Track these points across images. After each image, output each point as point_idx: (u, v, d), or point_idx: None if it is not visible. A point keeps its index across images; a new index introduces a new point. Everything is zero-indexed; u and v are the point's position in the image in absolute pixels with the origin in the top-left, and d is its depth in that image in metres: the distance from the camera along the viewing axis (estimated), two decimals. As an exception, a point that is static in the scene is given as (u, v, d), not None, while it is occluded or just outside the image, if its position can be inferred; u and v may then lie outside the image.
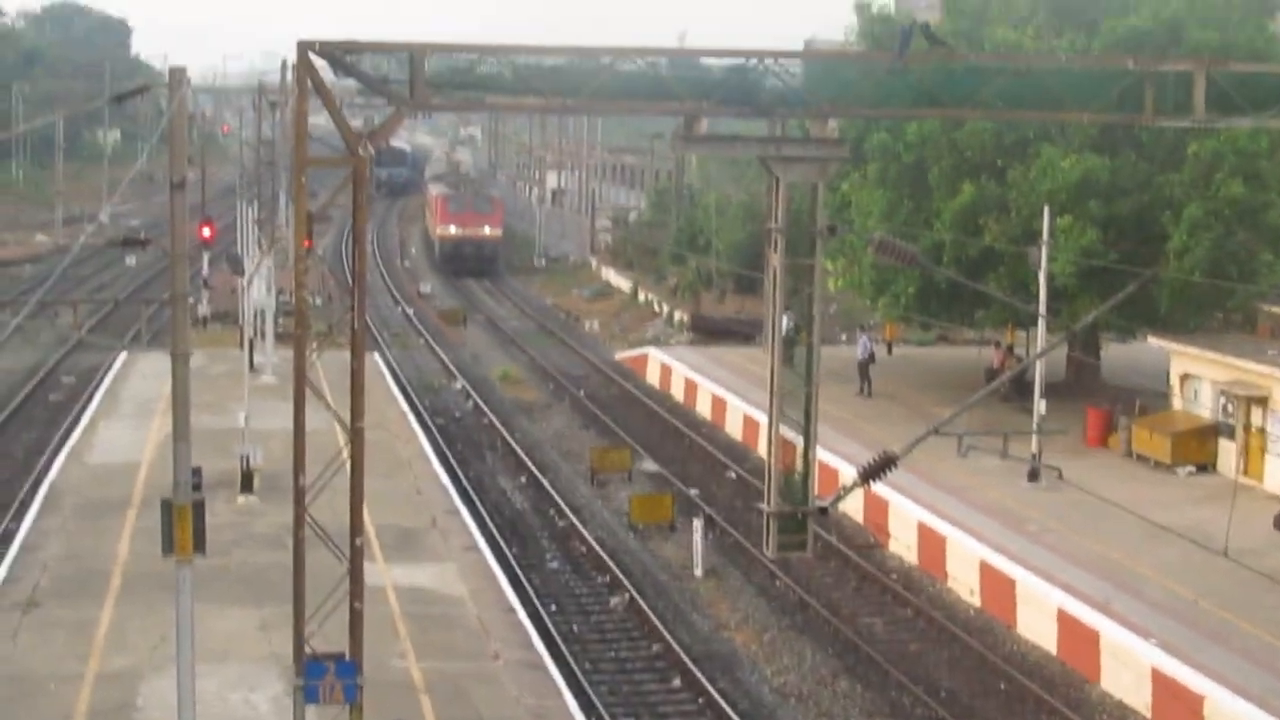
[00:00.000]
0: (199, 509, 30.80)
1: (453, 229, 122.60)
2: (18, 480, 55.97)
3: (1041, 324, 53.71)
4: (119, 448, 57.72)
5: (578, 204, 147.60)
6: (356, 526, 24.55)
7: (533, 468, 59.42)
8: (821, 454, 30.75)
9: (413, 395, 71.74)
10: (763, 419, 40.07)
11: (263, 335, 69.13)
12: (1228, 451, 53.91)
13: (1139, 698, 36.43)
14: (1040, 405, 53.32)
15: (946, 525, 47.10)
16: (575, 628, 42.73)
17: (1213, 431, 54.86)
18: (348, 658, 24.68)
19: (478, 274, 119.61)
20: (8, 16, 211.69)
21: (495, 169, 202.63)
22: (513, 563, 47.05)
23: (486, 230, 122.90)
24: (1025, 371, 54.06)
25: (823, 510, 28.73)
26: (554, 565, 48.60)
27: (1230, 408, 54.13)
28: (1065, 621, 39.46)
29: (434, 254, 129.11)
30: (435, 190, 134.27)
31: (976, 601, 43.97)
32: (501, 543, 49.08)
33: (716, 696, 36.96)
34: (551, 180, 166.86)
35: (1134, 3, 62.41)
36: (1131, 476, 53.39)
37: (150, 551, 37.04)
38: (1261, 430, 52.50)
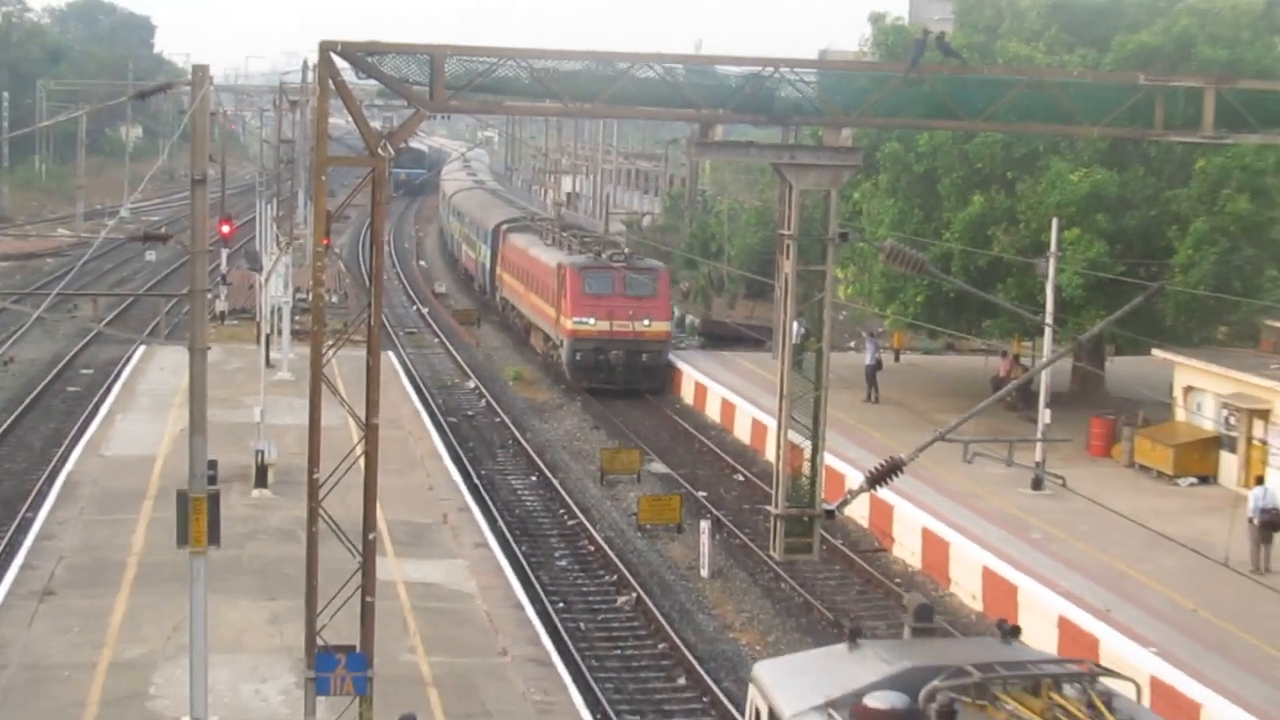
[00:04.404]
0: (214, 502, 30.88)
1: (592, 322, 73.62)
2: (35, 471, 56.05)
3: (1048, 334, 53.71)
4: (135, 440, 57.75)
5: (592, 208, 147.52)
6: (369, 521, 24.60)
7: (543, 467, 59.45)
8: (829, 459, 30.76)
9: (426, 393, 71.78)
10: (771, 423, 40.08)
11: (279, 332, 69.14)
12: (1229, 463, 53.91)
13: (1138, 705, 36.39)
14: (1045, 414, 53.38)
15: (950, 531, 47.11)
16: (582, 625, 42.76)
17: (1214, 443, 54.85)
18: (358, 650, 24.72)
19: (629, 392, 73.67)
20: (33, 12, 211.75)
21: (511, 172, 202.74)
22: (522, 560, 47.08)
23: (647, 324, 74.08)
24: (1031, 381, 54.05)
25: (829, 514, 28.80)
26: (562, 563, 48.63)
27: (1232, 420, 54.13)
28: (1066, 628, 39.42)
29: (548, 354, 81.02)
30: (549, 255, 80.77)
31: (979, 607, 43.97)
32: (511, 540, 49.12)
33: (721, 695, 36.99)
34: (567, 184, 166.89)
35: (1145, 20, 62.45)
36: (1134, 486, 53.37)
37: (165, 543, 37.17)
38: (1263, 443, 52.48)
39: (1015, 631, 23.81)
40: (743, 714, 27.36)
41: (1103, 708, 19.80)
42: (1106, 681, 21.06)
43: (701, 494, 55.69)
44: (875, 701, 20.07)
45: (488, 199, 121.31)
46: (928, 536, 47.92)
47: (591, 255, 77.24)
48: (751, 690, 23.37)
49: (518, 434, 65.16)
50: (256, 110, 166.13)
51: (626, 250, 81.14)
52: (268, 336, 64.80)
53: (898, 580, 46.66)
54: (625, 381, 73.63)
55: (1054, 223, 54.20)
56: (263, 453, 50.19)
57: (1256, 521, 44.41)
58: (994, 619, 42.61)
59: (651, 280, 74.95)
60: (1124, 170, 60.31)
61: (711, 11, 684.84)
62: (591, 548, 49.82)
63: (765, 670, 23.38)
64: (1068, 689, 20.34)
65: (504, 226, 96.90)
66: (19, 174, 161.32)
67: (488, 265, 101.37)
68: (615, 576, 46.80)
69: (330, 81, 23.69)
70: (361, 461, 24.61)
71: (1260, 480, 46.98)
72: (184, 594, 32.58)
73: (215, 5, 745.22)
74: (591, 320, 73.60)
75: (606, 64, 25.75)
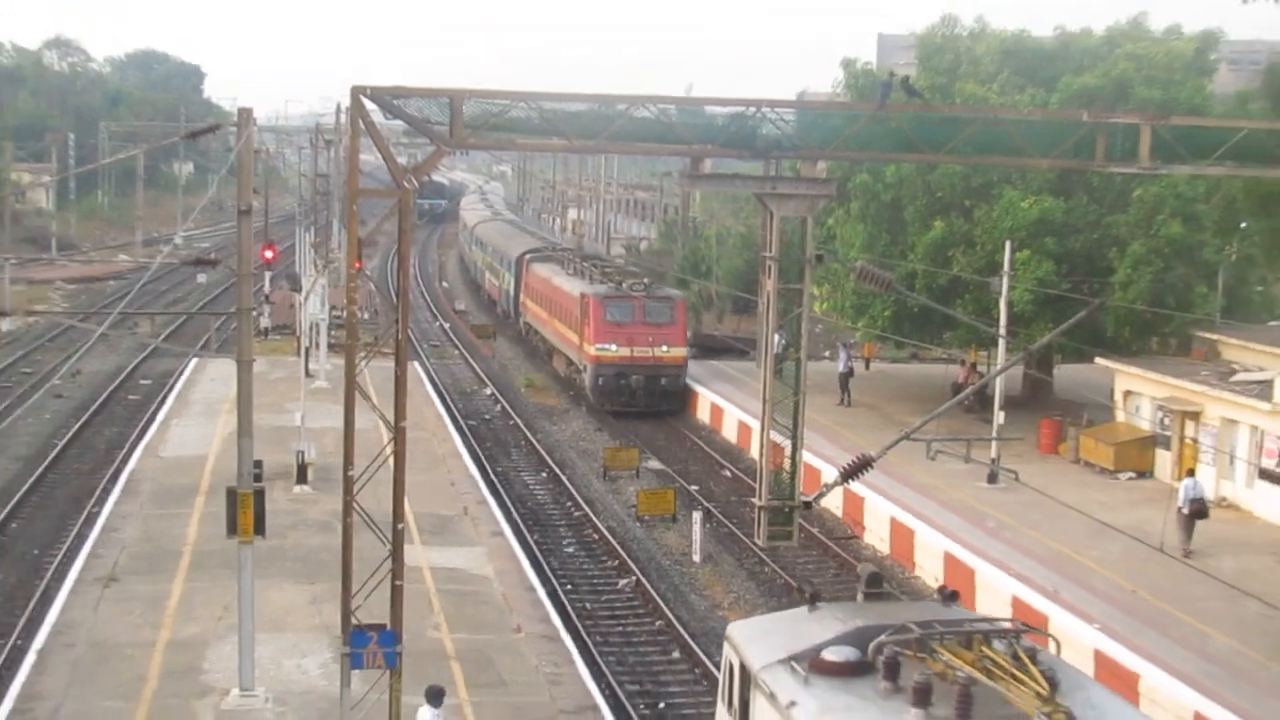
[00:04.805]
0: (260, 497, 31.02)
1: (614, 348, 69.76)
2: (100, 470, 56.06)
3: (1002, 344, 53.76)
4: (189, 442, 57.74)
5: (595, 234, 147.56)
6: (398, 513, 24.57)
7: (552, 464, 59.44)
8: (806, 456, 30.78)
9: (448, 399, 71.75)
10: (755, 424, 40.13)
11: (317, 345, 69.09)
12: (1164, 460, 53.92)
13: (1083, 675, 36.34)
14: (999, 416, 53.42)
15: (915, 520, 47.09)
16: (588, 605, 42.72)
17: (1151, 442, 54.87)
18: (389, 628, 24.70)
19: (649, 414, 69.78)
20: (95, 62, 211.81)
21: (523, 202, 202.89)
22: (534, 547, 47.06)
23: (666, 350, 69.96)
24: (987, 386, 54.05)
25: (807, 505, 28.76)
26: (570, 550, 48.60)
27: (1167, 421, 54.14)
28: (1019, 607, 39.36)
29: (571, 376, 76.96)
30: (571, 285, 76.71)
31: (941, 588, 43.92)
32: (524, 529, 49.12)
33: (712, 668, 36.91)
34: (572, 213, 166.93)
35: (1088, 63, 62.60)
36: (1079, 480, 53.35)
37: (216, 534, 37.17)
38: (1194, 441, 52.52)
39: (954, 596, 24.27)
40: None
41: (1026, 659, 20.24)
42: (1030, 638, 21.51)
43: (694, 488, 55.66)
44: (831, 655, 20.90)
45: (509, 230, 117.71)
46: (895, 525, 47.90)
47: (613, 285, 72.97)
48: (726, 647, 23.88)
49: (529, 435, 65.13)
50: (295, 148, 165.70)
51: (646, 280, 75.87)
52: (307, 350, 64.77)
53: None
54: (645, 404, 69.55)
55: (1007, 245, 54.28)
56: (303, 453, 50.18)
57: (1186, 510, 44.53)
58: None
59: (669, 308, 70.87)
60: (1069, 198, 60.42)
61: (701, 58, 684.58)
62: (595, 536, 49.79)
63: (737, 630, 23.97)
64: (996, 644, 20.84)
65: (527, 256, 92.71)
66: (84, 206, 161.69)
67: (511, 292, 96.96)
68: (617, 562, 46.78)
69: (361, 121, 23.68)
70: (391, 460, 24.58)
71: (1191, 473, 47.01)
72: (233, 579, 32.70)
73: (258, 55, 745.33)
74: (613, 346, 69.66)
75: (607, 105, 25.74)
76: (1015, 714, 18.91)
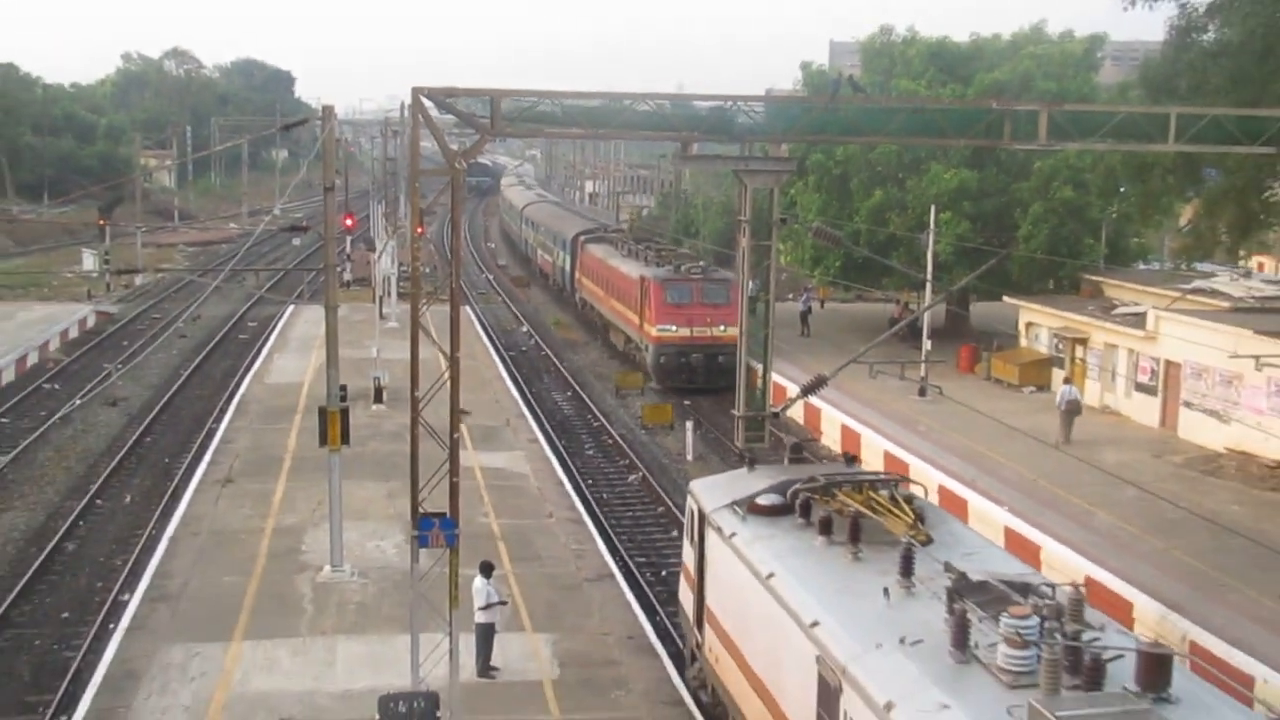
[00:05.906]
0: (345, 414, 31.10)
1: (674, 328, 58.77)
2: (217, 394, 56.22)
3: (929, 287, 53.72)
4: (288, 372, 57.86)
5: (606, 203, 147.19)
6: (454, 425, 24.62)
7: (575, 386, 59.49)
8: (775, 376, 30.86)
9: (493, 335, 71.79)
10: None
11: (389, 294, 69.14)
12: (1058, 377, 53.94)
13: (995, 546, 36.50)
14: (927, 344, 53.54)
15: (861, 426, 47.21)
16: (604, 495, 42.89)
17: (1048, 363, 54.92)
18: (448, 516, 24.77)
19: (706, 390, 57.71)
20: (206, 69, 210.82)
21: (550, 179, 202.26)
22: (561, 450, 47.19)
23: (723, 330, 57.26)
24: (917, 320, 54.09)
25: (775, 415, 28.95)
26: (590, 452, 48.73)
27: (1060, 346, 54.20)
28: (944, 494, 39.55)
29: (629, 352, 65.42)
30: (630, 267, 65.46)
31: (883, 479, 44.02)
32: (554, 436, 49.25)
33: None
34: (589, 187, 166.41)
35: (998, 61, 62.47)
36: (991, 394, 53.43)
37: (310, 444, 37.34)
38: (1083, 362, 52.59)
39: (853, 459, 27.41)
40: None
41: (902, 501, 22.34)
42: (909, 487, 23.96)
43: (686, 403, 55.71)
44: (762, 500, 23.15)
45: (559, 211, 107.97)
46: (845, 430, 48.02)
47: (672, 268, 62.15)
48: (689, 498, 26.06)
49: (557, 362, 65.17)
50: (369, 137, 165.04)
51: (701, 263, 65.86)
52: (380, 297, 64.80)
53: (824, 461, 46.68)
54: (705, 381, 58.22)
55: (932, 208, 54.24)
56: (379, 379, 50.35)
57: (1063, 408, 45.42)
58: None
59: (725, 289, 59.07)
60: (982, 170, 60.33)
61: (686, 60, 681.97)
62: (610, 441, 49.91)
63: (697, 485, 26.13)
64: (881, 490, 22.82)
65: (582, 237, 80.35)
66: (200, 184, 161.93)
67: (567, 270, 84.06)
68: (626, 461, 46.93)
69: (420, 115, 23.65)
70: (448, 383, 24.62)
71: (1067, 380, 48.24)
72: (324, 479, 32.88)
73: (338, 63, 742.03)
74: (673, 327, 58.73)
75: (615, 100, 25.74)
76: (891, 538, 20.63)
